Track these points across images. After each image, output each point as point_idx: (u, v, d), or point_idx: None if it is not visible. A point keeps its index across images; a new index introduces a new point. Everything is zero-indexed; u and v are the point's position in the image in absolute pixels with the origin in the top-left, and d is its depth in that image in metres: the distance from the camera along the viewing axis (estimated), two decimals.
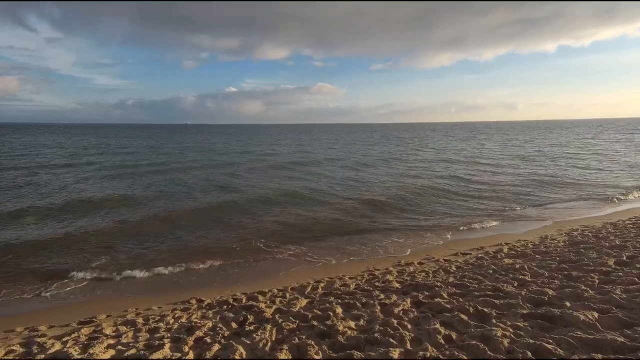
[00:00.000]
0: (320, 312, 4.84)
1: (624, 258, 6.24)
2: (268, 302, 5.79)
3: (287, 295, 6.19)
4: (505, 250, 8.40)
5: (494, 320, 4.14)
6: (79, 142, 53.77)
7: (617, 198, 14.73)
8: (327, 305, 5.16)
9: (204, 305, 5.98)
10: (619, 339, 3.42)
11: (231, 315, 5.13)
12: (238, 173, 23.08)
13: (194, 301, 6.35)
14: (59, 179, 19.61)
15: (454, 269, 7.09)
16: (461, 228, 11.17)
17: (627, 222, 10.26)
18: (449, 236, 10.43)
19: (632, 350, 3.25)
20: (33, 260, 8.53)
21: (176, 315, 5.47)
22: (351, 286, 6.44)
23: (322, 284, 6.77)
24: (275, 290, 6.59)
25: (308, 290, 6.45)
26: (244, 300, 6.01)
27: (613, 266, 5.88)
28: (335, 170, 24.39)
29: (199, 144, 54.42)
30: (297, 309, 5.17)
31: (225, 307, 5.73)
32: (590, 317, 3.92)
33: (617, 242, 7.57)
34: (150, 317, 5.55)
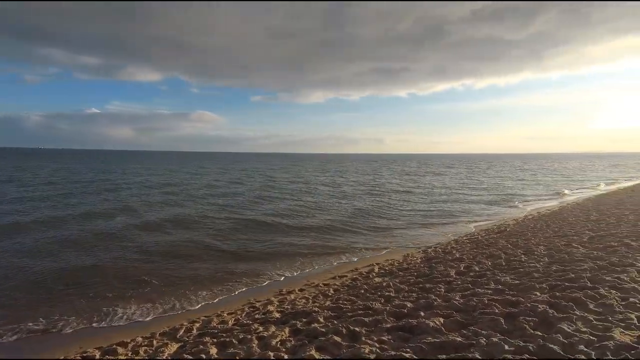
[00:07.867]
0: (191, 357, 4.39)
1: (462, 268, 7.56)
2: (130, 353, 4.98)
3: (155, 342, 5.44)
4: (376, 269, 9.23)
5: (363, 338, 4.43)
6: None
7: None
8: (201, 347, 4.72)
9: None
10: (457, 338, 4.05)
11: None
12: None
13: None
14: None
15: (332, 292, 7.42)
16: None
17: (464, 238, 12.58)
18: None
19: (467, 347, 3.89)
20: None
21: None
22: (230, 322, 6.07)
23: (197, 324, 6.20)
24: (140, 339, 5.72)
25: (181, 332, 5.80)
26: (97, 357, 5.03)
27: (454, 276, 7.05)
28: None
29: None
30: (164, 357, 4.57)
31: None
32: (437, 322, 4.57)
33: (457, 256, 9.16)
34: None
